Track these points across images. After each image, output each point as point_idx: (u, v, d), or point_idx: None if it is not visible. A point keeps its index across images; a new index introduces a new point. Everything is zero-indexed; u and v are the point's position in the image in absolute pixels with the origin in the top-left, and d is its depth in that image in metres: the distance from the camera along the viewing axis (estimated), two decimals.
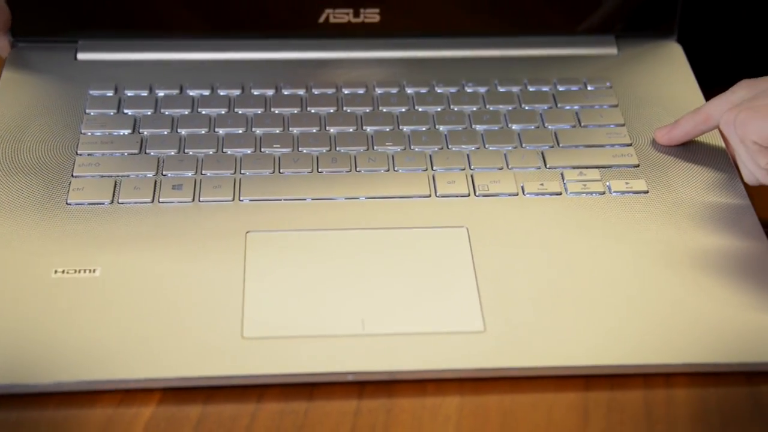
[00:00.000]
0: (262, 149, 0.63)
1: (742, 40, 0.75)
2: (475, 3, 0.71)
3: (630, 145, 0.63)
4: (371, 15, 0.71)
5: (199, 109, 0.66)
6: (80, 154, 0.62)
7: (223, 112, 0.66)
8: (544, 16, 0.72)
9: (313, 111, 0.66)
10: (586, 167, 0.61)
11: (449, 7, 0.71)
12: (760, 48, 0.75)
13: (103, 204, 0.58)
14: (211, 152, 0.62)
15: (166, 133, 0.64)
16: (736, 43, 0.75)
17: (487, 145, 0.63)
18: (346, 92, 0.68)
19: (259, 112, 0.66)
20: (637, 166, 0.62)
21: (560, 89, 0.68)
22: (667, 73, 0.70)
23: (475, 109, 0.66)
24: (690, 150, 0.63)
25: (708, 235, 0.57)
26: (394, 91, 0.68)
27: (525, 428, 0.48)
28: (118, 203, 0.59)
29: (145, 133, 0.64)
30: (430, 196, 0.60)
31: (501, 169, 0.61)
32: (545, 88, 0.68)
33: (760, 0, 0.73)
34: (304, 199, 0.59)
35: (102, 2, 0.69)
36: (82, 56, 0.70)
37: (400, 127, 0.65)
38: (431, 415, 0.49)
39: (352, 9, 0.70)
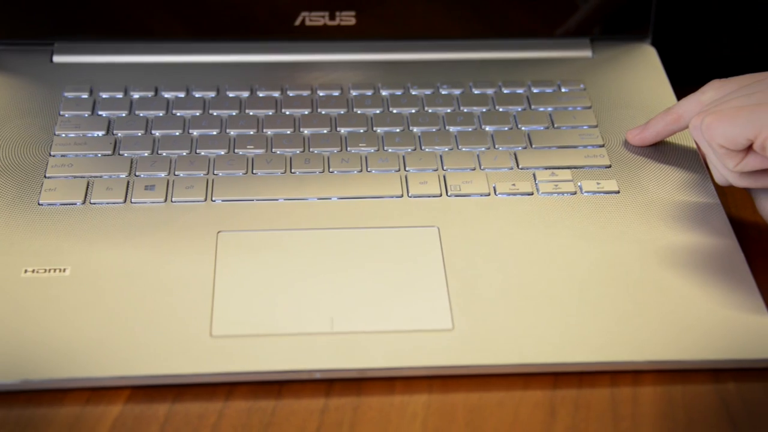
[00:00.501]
0: (236, 150, 0.63)
1: (715, 43, 0.75)
2: (450, 7, 0.71)
3: (602, 146, 0.63)
4: (347, 18, 0.71)
5: (174, 111, 0.66)
6: (53, 155, 0.62)
7: (197, 114, 0.66)
8: (519, 19, 0.72)
9: (287, 113, 0.66)
10: (559, 168, 0.62)
11: (425, 10, 0.71)
12: (733, 50, 0.75)
13: (75, 204, 0.59)
14: (184, 153, 0.62)
15: (139, 134, 0.64)
16: (709, 45, 0.75)
17: (460, 146, 0.63)
18: (321, 94, 0.68)
19: (234, 113, 0.66)
20: (609, 166, 0.62)
21: (534, 91, 0.68)
22: (641, 75, 0.70)
23: (449, 110, 0.66)
24: (661, 150, 0.63)
25: (678, 235, 0.57)
26: (369, 93, 0.68)
27: (491, 425, 0.48)
28: (90, 204, 0.59)
29: (119, 134, 0.64)
30: (402, 196, 0.60)
31: (473, 169, 0.62)
32: (519, 90, 0.68)
33: (732, 3, 0.74)
34: (277, 200, 0.59)
35: (78, 5, 0.70)
36: (58, 59, 0.70)
37: (374, 128, 0.65)
38: (398, 413, 0.49)
39: (328, 12, 0.71)
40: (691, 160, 0.62)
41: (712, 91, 0.59)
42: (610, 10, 0.72)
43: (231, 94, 0.67)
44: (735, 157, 0.55)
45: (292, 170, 0.61)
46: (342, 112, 0.66)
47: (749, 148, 0.54)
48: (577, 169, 0.62)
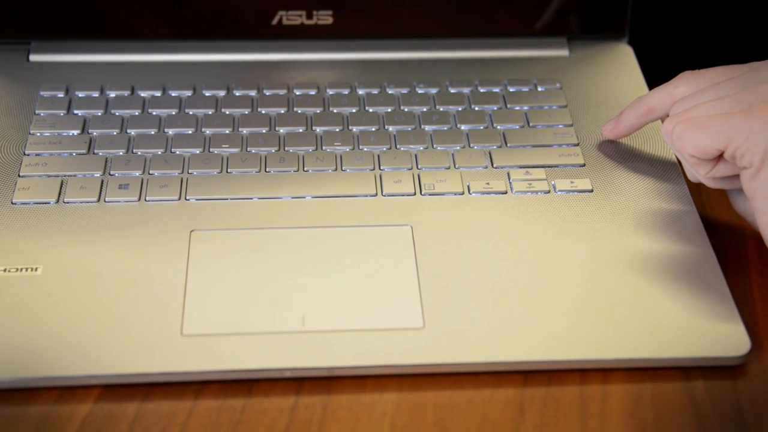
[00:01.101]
0: (211, 149, 0.63)
1: (691, 42, 0.76)
2: (427, 6, 0.71)
3: (577, 145, 0.64)
4: (324, 17, 0.71)
5: (150, 110, 0.66)
6: (28, 154, 0.62)
7: (173, 113, 0.66)
8: (496, 18, 0.72)
9: (263, 112, 0.66)
10: (533, 167, 0.62)
11: (402, 10, 0.71)
12: (710, 49, 0.75)
13: (49, 203, 0.59)
14: (159, 152, 0.62)
15: (115, 133, 0.64)
16: (686, 44, 0.76)
17: (435, 145, 0.63)
18: (297, 93, 0.68)
19: (210, 112, 0.66)
20: (583, 165, 0.62)
21: (511, 90, 0.68)
22: (617, 74, 0.70)
23: (425, 109, 0.66)
24: (636, 149, 0.63)
25: (649, 233, 0.57)
26: (345, 92, 0.68)
27: (460, 423, 0.48)
28: (64, 203, 0.59)
29: (94, 133, 0.64)
30: (376, 195, 0.60)
31: (448, 168, 0.62)
32: (496, 89, 0.68)
33: (709, 2, 0.74)
34: (251, 199, 0.59)
35: (55, 4, 0.69)
36: (34, 57, 0.70)
37: (350, 127, 0.65)
38: (368, 411, 0.49)
39: (305, 11, 0.71)
40: (665, 158, 0.62)
41: (684, 85, 0.58)
42: (587, 9, 0.72)
43: (207, 93, 0.68)
44: (706, 165, 0.54)
45: (267, 169, 0.61)
46: (318, 111, 0.66)
47: (720, 156, 0.54)
48: (552, 168, 0.62)
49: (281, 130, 0.65)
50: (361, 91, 0.68)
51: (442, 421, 0.49)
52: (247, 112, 0.66)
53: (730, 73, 0.57)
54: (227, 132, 0.64)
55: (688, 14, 0.75)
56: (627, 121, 0.62)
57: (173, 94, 0.67)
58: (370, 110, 0.66)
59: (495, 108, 0.67)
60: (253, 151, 0.63)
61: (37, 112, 0.65)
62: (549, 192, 0.60)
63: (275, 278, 0.54)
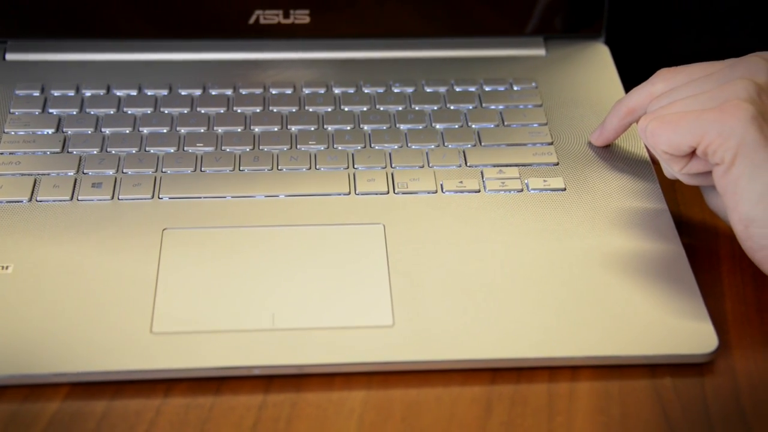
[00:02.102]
0: (185, 148, 0.63)
1: (668, 42, 0.76)
2: (404, 5, 0.72)
3: (551, 143, 0.64)
4: (301, 16, 0.71)
5: (125, 109, 0.66)
6: (1, 153, 0.62)
7: (148, 112, 0.66)
8: (473, 17, 0.72)
9: (239, 111, 0.66)
10: (506, 165, 0.62)
11: (379, 9, 0.71)
12: (686, 48, 0.76)
13: (21, 202, 0.59)
14: (133, 151, 0.62)
15: (89, 132, 0.64)
16: (662, 44, 0.76)
17: (409, 144, 0.64)
18: (273, 92, 0.68)
19: (185, 111, 0.66)
20: (557, 164, 0.62)
21: (486, 89, 0.68)
22: (593, 73, 0.70)
23: (400, 108, 0.67)
24: (609, 149, 0.63)
25: (621, 232, 0.57)
26: (321, 91, 0.68)
27: (427, 420, 0.48)
28: (37, 201, 0.59)
29: (69, 132, 0.64)
30: (349, 193, 0.60)
31: (422, 167, 0.62)
32: (471, 89, 0.68)
33: (685, 2, 0.74)
34: (224, 197, 0.59)
35: (32, 3, 0.69)
36: (10, 56, 0.70)
37: (325, 126, 0.65)
38: (336, 408, 0.49)
39: (282, 10, 0.71)
40: (639, 157, 0.62)
41: (662, 82, 0.58)
42: (564, 8, 0.72)
43: (183, 92, 0.68)
44: (679, 161, 0.55)
45: (241, 168, 0.62)
46: (293, 110, 0.66)
47: (694, 153, 0.54)
48: (525, 166, 0.62)
49: (256, 129, 0.65)
50: (337, 90, 0.68)
51: (409, 419, 0.49)
52: (222, 111, 0.66)
53: (707, 70, 0.57)
54: (202, 131, 0.64)
55: (665, 14, 0.75)
56: (611, 125, 0.62)
57: (149, 93, 0.67)
58: (346, 109, 0.67)
59: (470, 107, 0.67)
60: (228, 150, 0.63)
61: (12, 110, 0.65)
62: (522, 191, 0.60)
63: (246, 276, 0.54)
